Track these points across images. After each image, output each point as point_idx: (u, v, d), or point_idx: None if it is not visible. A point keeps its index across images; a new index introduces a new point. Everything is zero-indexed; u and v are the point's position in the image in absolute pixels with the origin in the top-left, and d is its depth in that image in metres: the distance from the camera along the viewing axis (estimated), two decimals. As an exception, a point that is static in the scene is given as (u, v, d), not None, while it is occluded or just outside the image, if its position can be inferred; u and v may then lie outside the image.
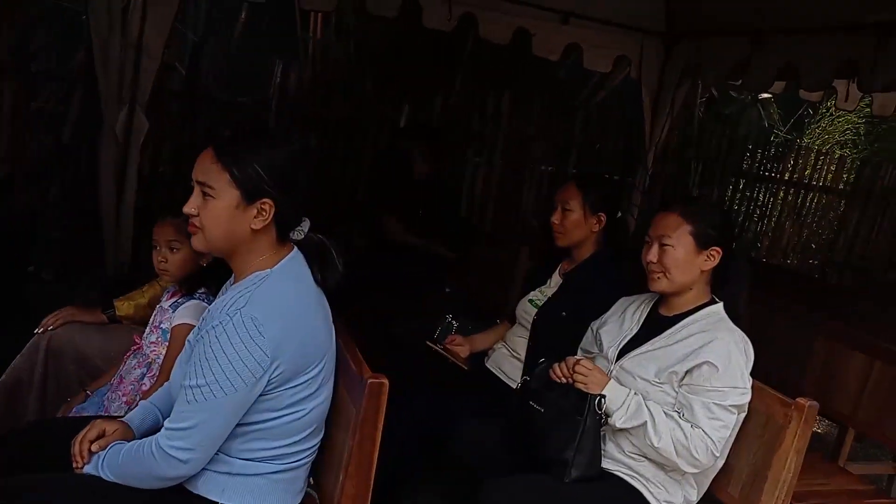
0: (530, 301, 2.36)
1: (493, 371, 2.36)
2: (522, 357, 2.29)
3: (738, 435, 1.75)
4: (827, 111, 6.38)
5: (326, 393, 1.46)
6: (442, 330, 2.58)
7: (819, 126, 6.43)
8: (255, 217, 1.38)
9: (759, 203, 5.73)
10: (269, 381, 1.33)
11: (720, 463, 1.75)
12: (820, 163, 5.79)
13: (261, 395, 1.35)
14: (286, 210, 1.42)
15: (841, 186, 5.86)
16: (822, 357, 2.63)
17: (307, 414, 1.42)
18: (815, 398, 2.67)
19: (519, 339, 2.33)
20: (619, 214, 2.34)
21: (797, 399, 1.66)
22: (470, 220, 4.67)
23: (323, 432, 1.51)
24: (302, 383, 1.39)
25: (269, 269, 1.40)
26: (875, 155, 6.35)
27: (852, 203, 5.90)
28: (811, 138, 6.37)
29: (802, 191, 5.79)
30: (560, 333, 2.20)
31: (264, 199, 1.37)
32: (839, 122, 6.37)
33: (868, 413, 2.42)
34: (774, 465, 1.67)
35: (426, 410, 2.07)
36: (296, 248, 1.48)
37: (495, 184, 4.93)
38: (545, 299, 2.33)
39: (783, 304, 2.90)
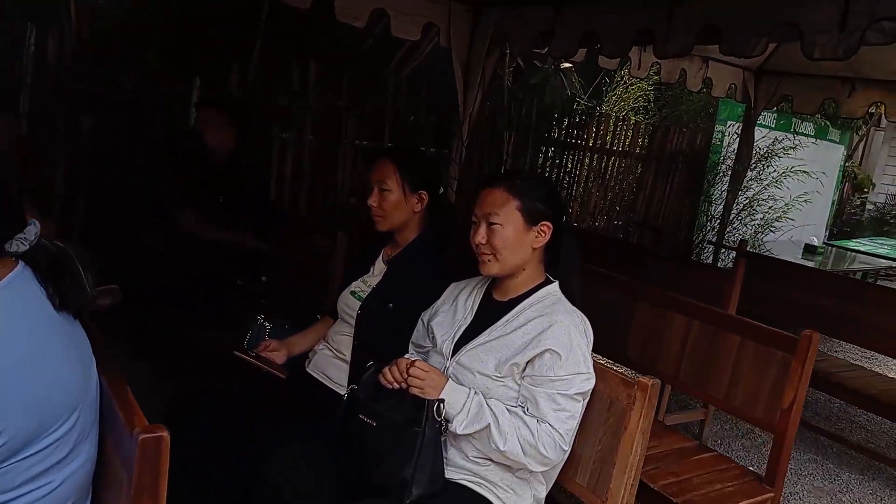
0: (353, 293, 2.10)
1: (317, 377, 2.08)
2: (349, 358, 2.03)
3: (582, 421, 1.65)
4: (621, 79, 6.75)
5: (86, 454, 1.10)
6: (252, 334, 2.25)
7: (615, 94, 6.80)
8: None
9: (568, 169, 5.92)
10: None
11: (567, 454, 1.64)
12: (619, 129, 6.10)
13: None
14: None
15: (637, 150, 6.23)
16: (645, 321, 2.68)
17: (58, 486, 1.06)
18: (639, 363, 2.76)
19: (343, 338, 2.06)
20: (441, 190, 2.15)
21: (639, 378, 1.58)
22: (279, 205, 4.27)
23: (89, 501, 1.15)
24: (42, 450, 1.02)
25: None
26: (664, 120, 6.84)
27: (647, 166, 6.31)
28: (609, 106, 6.72)
29: (605, 156, 6.07)
30: (388, 328, 1.97)
31: None
32: (632, 89, 6.77)
33: (688, 373, 2.49)
34: (621, 449, 1.59)
35: (237, 439, 1.75)
36: (21, 265, 1.09)
37: (307, 163, 4.57)
38: (369, 290, 2.08)
39: (604, 271, 2.93)
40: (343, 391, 1.96)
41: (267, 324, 2.26)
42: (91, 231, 3.74)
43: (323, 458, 1.66)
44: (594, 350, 1.70)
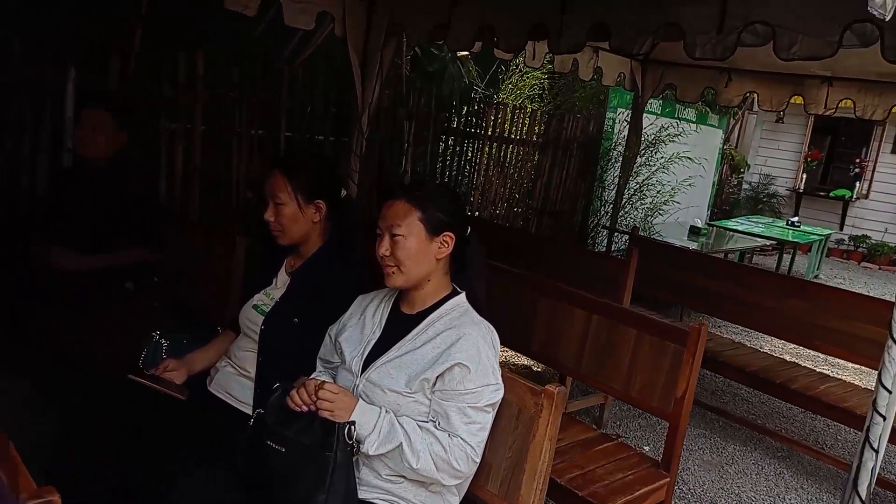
0: (255, 307, 2.03)
1: (220, 396, 2.00)
2: (253, 375, 1.96)
3: (492, 430, 1.67)
4: (517, 68, 6.85)
5: None
6: (148, 353, 2.13)
7: (511, 82, 6.90)
8: None
9: (468, 158, 5.97)
10: None
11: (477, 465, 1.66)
12: (516, 117, 6.20)
13: None
14: None
15: (534, 138, 6.36)
16: (547, 316, 2.75)
17: None
18: (543, 356, 2.84)
19: (246, 354, 1.99)
20: (344, 193, 2.09)
21: (546, 387, 1.62)
22: (169, 203, 4.03)
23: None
24: None
25: None
26: (559, 108, 7.02)
27: (544, 153, 6.47)
28: (506, 94, 6.81)
29: (503, 144, 6.16)
30: (293, 344, 1.92)
31: None
32: (528, 78, 6.90)
33: (589, 365, 2.59)
34: (531, 456, 1.63)
35: (132, 470, 1.65)
36: None
37: (198, 155, 4.34)
38: (272, 303, 2.02)
39: (508, 268, 2.97)
40: (248, 410, 1.90)
41: (163, 340, 2.15)
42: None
43: (230, 485, 1.60)
44: (502, 344, 1.73)
